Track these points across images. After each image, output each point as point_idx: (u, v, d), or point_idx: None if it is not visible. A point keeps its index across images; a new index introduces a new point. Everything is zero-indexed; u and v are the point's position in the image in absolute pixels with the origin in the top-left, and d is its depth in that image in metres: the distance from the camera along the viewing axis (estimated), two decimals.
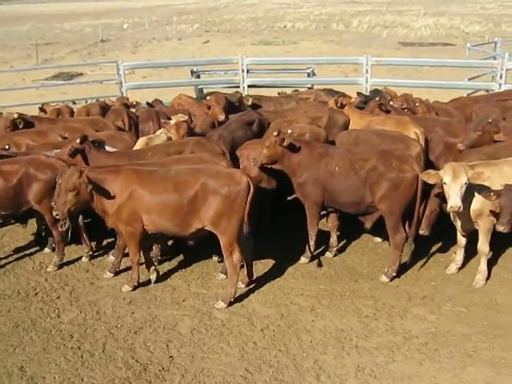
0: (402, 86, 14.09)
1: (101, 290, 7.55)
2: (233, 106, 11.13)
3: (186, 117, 9.57)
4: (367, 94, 12.75)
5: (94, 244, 8.53)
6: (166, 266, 8.08)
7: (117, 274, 7.87)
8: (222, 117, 10.17)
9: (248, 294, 7.37)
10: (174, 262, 8.19)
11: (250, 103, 11.16)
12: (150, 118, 10.78)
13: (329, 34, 44.05)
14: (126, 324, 6.79)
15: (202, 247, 8.05)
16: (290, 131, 8.13)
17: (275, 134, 7.86)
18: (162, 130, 9.35)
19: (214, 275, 7.81)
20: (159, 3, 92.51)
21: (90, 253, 8.32)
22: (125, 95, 14.48)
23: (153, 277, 7.61)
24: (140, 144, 8.99)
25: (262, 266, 8.00)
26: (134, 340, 6.49)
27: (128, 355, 6.24)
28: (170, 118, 9.53)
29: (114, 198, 6.96)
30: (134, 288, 7.46)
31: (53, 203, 6.94)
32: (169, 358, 6.19)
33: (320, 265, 8.03)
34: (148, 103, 12.53)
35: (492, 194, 6.77)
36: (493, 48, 18.32)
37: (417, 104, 10.81)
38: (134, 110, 11.64)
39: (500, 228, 6.75)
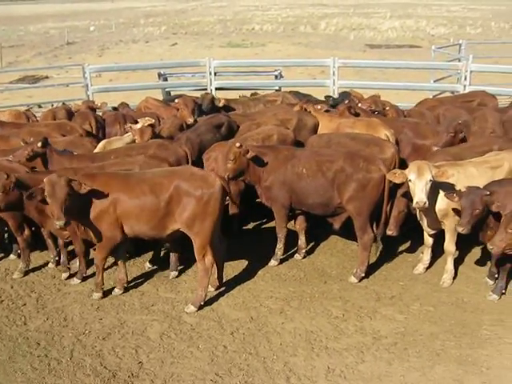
0: (369, 87, 14.20)
1: (68, 297, 7.44)
2: (201, 108, 11.10)
3: (153, 120, 9.50)
4: (335, 96, 12.80)
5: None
6: (134, 271, 8.01)
7: (84, 279, 7.76)
8: (190, 119, 10.13)
9: (218, 297, 7.34)
10: (143, 267, 8.11)
11: (221, 105, 11.13)
12: (116, 121, 10.71)
13: (297, 36, 44.29)
14: (93, 330, 6.70)
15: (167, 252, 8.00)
16: (237, 144, 7.80)
17: (237, 145, 7.74)
18: (129, 133, 9.29)
19: (183, 279, 7.77)
20: (126, 5, 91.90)
21: (57, 258, 8.18)
22: (91, 98, 14.32)
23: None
24: (99, 147, 8.93)
25: (231, 269, 7.97)
26: (103, 346, 6.41)
27: (96, 362, 6.15)
28: (137, 122, 9.45)
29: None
30: (104, 294, 7.36)
31: None
32: (138, 363, 6.12)
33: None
34: (114, 108, 12.42)
35: (455, 194, 6.87)
36: (457, 50, 18.56)
37: (387, 108, 10.91)
38: (100, 113, 11.53)
39: (459, 229, 6.84)
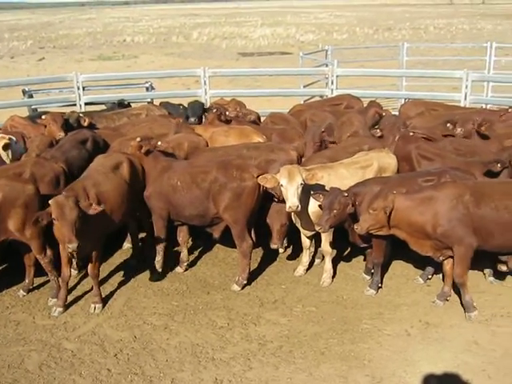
0: (242, 95, 14.34)
1: None
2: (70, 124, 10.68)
3: (7, 136, 9.03)
4: (207, 105, 12.79)
5: None
6: (7, 300, 7.55)
7: None
8: (60, 134, 9.68)
9: (98, 319, 7.08)
10: (16, 295, 7.66)
11: (86, 124, 10.73)
12: None
13: (169, 46, 44.17)
14: None
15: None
16: (159, 143, 8.03)
17: (138, 139, 7.81)
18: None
19: None
20: None
21: None
22: None
23: None
24: None
25: (111, 288, 7.75)
26: None
27: None
28: None
29: None
30: None
31: None
32: None
33: None
34: None
35: (320, 195, 7.07)
36: (324, 56, 19.24)
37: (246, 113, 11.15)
38: None
39: (317, 228, 7.04)
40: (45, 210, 6.58)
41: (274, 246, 7.79)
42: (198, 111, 11.58)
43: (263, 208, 7.84)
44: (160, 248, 7.97)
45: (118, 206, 7.51)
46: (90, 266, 7.26)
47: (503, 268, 7.20)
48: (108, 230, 7.47)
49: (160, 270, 8.03)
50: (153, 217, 7.96)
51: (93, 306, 7.30)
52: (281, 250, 8.07)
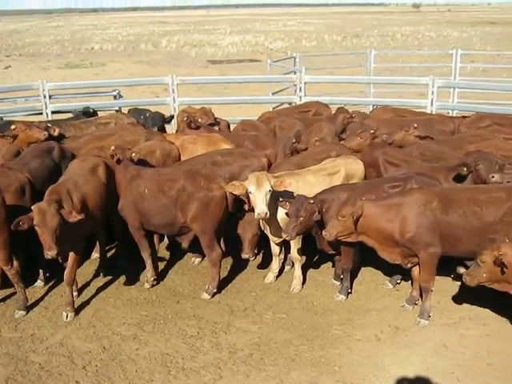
0: (211, 103, 14.33)
1: None
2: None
3: None
4: (174, 113, 12.76)
5: None
6: None
7: None
8: (45, 133, 9.47)
9: (66, 330, 6.97)
10: None
11: (56, 134, 10.57)
12: None
13: (138, 54, 44.01)
14: None
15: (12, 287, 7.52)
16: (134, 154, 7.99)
17: (112, 148, 7.78)
18: None
19: (29, 316, 7.28)
20: None
21: None
22: None
23: None
24: None
25: (79, 298, 7.64)
26: None
27: None
28: None
29: None
30: None
31: None
32: None
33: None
34: None
35: (287, 202, 7.09)
36: (293, 63, 19.34)
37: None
38: None
39: (284, 235, 7.06)
40: (27, 215, 6.53)
41: (245, 256, 7.76)
42: (158, 121, 11.57)
43: (232, 216, 7.83)
44: (145, 257, 7.93)
45: (99, 208, 7.56)
46: (66, 272, 7.22)
47: (461, 270, 7.27)
48: (89, 232, 7.56)
49: (152, 279, 7.97)
50: (130, 230, 7.88)
51: (64, 314, 7.22)
52: (251, 258, 8.07)
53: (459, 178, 7.72)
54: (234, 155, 8.75)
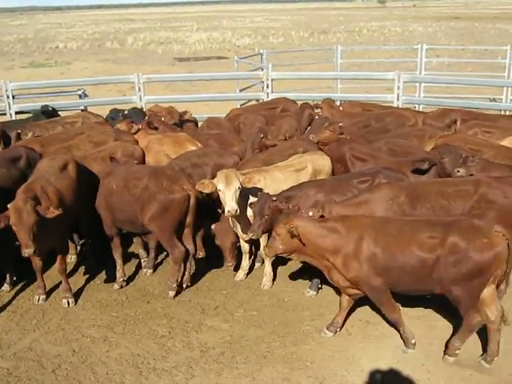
0: (178, 101, 14.27)
1: None
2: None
3: None
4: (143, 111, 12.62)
5: None
6: None
7: None
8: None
9: (35, 334, 6.86)
10: None
11: (29, 136, 10.37)
12: None
13: (103, 52, 43.55)
14: None
15: None
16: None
17: None
18: None
19: None
20: None
21: None
22: None
23: None
24: None
25: (47, 302, 7.54)
26: None
27: None
28: None
29: None
30: None
31: None
32: None
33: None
34: None
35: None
36: (260, 60, 19.34)
37: (186, 117, 11.14)
38: None
39: (250, 234, 7.07)
40: (3, 214, 6.48)
41: (229, 265, 7.80)
42: (141, 116, 11.47)
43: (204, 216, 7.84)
44: (116, 256, 7.90)
45: (73, 203, 7.50)
46: (57, 261, 7.36)
47: None
48: (67, 225, 7.56)
49: (121, 280, 7.91)
50: (104, 227, 7.84)
51: (65, 301, 7.36)
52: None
53: (425, 171, 7.80)
54: (210, 155, 8.76)
